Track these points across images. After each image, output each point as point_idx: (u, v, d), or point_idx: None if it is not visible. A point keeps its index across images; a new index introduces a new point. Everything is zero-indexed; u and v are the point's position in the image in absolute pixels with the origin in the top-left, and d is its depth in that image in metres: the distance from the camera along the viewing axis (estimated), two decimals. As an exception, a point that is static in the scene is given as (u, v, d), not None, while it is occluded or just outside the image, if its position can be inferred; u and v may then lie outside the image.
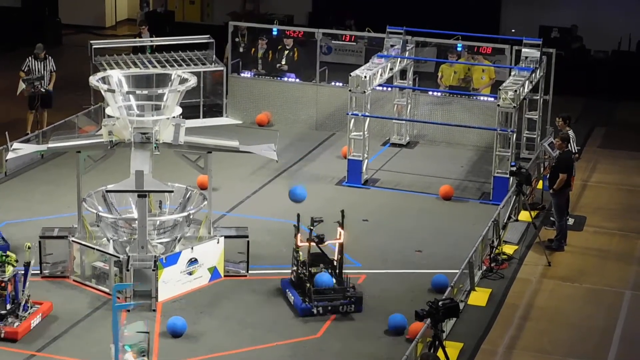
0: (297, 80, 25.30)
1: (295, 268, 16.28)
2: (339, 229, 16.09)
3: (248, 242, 17.06)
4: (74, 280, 16.63)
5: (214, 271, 16.78)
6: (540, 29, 30.21)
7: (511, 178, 19.86)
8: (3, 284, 14.98)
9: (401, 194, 20.91)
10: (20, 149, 17.31)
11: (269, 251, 17.82)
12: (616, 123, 26.74)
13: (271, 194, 20.56)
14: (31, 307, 15.24)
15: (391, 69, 22.53)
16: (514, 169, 18.82)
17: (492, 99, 22.22)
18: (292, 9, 33.37)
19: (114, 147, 16.31)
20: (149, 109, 16.63)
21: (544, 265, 17.86)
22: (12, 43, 27.86)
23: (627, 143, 24.71)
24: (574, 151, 19.35)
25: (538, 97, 22.94)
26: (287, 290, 16.27)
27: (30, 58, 23.54)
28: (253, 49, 25.81)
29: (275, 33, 25.53)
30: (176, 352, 14.66)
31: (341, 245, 16.12)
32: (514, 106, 20.22)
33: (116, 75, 17.04)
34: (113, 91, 16.44)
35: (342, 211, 16.18)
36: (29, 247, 15.35)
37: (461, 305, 15.41)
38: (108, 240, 16.62)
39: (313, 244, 16.01)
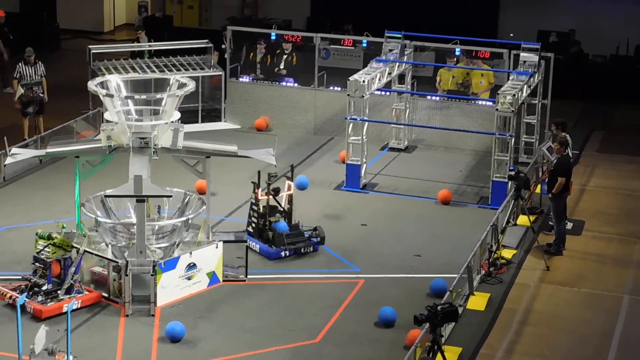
0: (296, 84, 25.31)
1: (255, 219, 17.90)
2: (287, 182, 18.24)
3: (247, 246, 17.07)
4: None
5: (212, 276, 16.77)
6: (538, 34, 30.24)
7: (510, 182, 19.87)
8: (46, 264, 15.54)
9: (400, 199, 20.91)
10: (18, 154, 17.31)
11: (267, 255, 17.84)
12: (614, 127, 26.75)
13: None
14: (77, 293, 15.35)
15: (389, 74, 22.55)
16: (512, 173, 18.82)
17: (491, 103, 22.24)
18: (291, 13, 33.38)
19: (112, 152, 16.31)
20: (147, 113, 16.64)
21: (543, 269, 17.86)
22: (10, 48, 27.89)
23: (626, 147, 24.73)
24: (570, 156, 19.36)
25: (536, 102, 22.96)
26: (249, 241, 17.44)
27: (20, 64, 23.52)
28: (252, 54, 25.82)
29: (273, 38, 25.53)
30: (174, 357, 14.65)
31: (290, 196, 18.23)
32: (513, 110, 20.23)
33: (115, 80, 17.04)
34: (111, 96, 16.44)
35: (292, 165, 18.61)
36: (84, 236, 16.03)
37: (460, 310, 15.42)
38: (107, 245, 16.62)
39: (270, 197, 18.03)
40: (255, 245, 17.93)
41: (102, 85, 16.67)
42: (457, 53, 24.02)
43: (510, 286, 17.23)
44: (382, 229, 19.38)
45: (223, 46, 25.78)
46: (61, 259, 15.73)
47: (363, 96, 20.94)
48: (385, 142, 24.05)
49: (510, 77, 21.71)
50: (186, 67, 24.48)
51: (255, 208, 18.02)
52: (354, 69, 22.97)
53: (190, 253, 16.40)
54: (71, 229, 16.52)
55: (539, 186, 20.54)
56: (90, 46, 24.89)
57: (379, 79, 21.85)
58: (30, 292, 15.48)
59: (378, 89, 22.31)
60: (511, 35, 29.51)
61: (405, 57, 23.33)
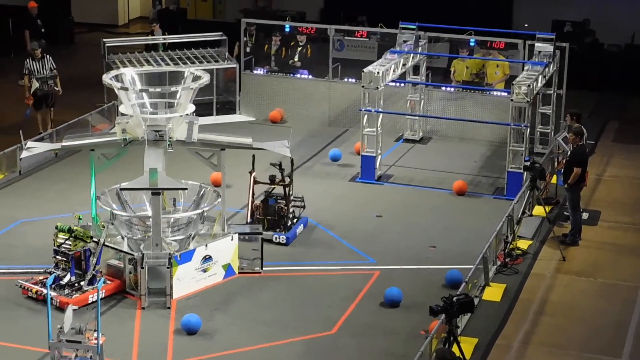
0: (310, 76, 25.30)
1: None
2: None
3: (262, 238, 17.09)
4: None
5: (228, 268, 16.80)
6: (553, 24, 30.12)
7: (525, 173, 19.83)
8: (69, 257, 15.62)
9: (414, 190, 20.89)
10: (34, 148, 17.36)
11: (282, 247, 17.86)
12: (630, 117, 26.65)
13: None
14: (99, 283, 15.47)
15: (404, 65, 22.51)
16: (527, 163, 18.80)
17: (505, 93, 22.19)
18: (304, 5, 33.33)
19: (127, 144, 16.35)
20: (162, 106, 16.66)
21: (559, 260, 17.83)
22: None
23: (641, 137, 24.68)
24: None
25: (551, 92, 22.90)
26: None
27: (28, 60, 23.48)
28: (266, 46, 25.82)
29: (287, 30, 25.52)
30: (190, 349, 14.69)
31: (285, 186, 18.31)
32: (528, 101, 20.18)
33: (129, 73, 17.06)
34: (126, 89, 16.47)
35: (292, 160, 18.21)
36: (103, 226, 16.07)
37: (476, 301, 15.39)
38: (122, 237, 16.66)
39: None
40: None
41: (117, 78, 16.69)
42: (472, 44, 23.96)
43: (526, 277, 17.20)
44: (397, 220, 19.37)
45: (245, 39, 25.67)
46: (82, 250, 15.79)
47: (377, 88, 20.92)
48: (400, 134, 24.01)
49: (525, 68, 21.65)
50: (200, 60, 24.53)
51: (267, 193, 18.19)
52: (369, 61, 22.92)
53: (206, 245, 16.43)
54: (87, 222, 16.56)
55: (554, 176, 20.51)
56: (104, 39, 24.97)
57: (394, 71, 21.82)
58: (53, 285, 15.51)
59: (392, 81, 22.27)
60: (526, 25, 29.41)
61: (420, 48, 23.29)
